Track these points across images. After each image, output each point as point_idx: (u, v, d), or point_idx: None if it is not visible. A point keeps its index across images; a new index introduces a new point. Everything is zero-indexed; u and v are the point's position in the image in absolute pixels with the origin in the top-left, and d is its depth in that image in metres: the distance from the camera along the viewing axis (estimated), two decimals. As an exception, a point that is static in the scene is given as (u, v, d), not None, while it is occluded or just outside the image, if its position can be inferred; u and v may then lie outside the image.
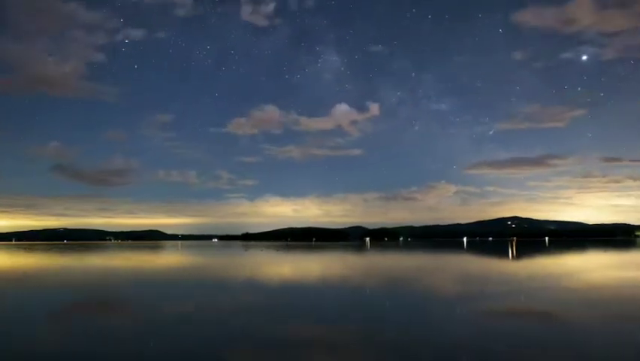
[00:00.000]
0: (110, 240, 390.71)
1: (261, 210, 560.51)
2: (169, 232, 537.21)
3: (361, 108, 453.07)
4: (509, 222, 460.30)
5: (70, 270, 28.42)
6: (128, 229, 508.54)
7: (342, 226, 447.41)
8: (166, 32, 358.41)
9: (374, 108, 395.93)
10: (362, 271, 25.58)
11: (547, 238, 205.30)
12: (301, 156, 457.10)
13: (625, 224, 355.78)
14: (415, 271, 26.18)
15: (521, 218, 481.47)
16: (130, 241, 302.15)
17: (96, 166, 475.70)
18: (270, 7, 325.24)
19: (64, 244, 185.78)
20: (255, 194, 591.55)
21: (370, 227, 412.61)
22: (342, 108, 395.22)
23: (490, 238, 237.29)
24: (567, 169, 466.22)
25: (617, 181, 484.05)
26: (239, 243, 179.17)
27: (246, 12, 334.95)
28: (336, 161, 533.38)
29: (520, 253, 48.60)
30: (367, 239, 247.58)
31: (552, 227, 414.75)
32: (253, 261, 38.25)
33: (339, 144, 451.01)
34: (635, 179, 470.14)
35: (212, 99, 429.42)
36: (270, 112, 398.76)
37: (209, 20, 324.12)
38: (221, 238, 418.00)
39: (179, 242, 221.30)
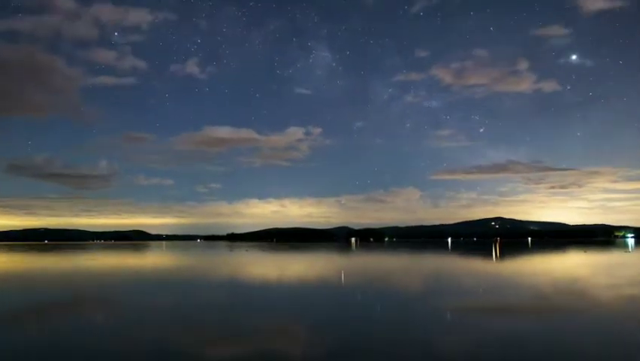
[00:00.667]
0: (94, 241, 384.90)
1: (247, 211, 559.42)
2: (153, 232, 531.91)
3: (350, 106, 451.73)
4: (493, 223, 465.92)
5: (42, 271, 27.89)
6: (112, 230, 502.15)
7: (329, 227, 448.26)
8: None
9: (363, 106, 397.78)
10: (342, 271, 25.57)
11: (529, 239, 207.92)
12: (285, 156, 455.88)
13: (605, 225, 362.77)
14: (394, 270, 26.32)
15: (504, 219, 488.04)
16: (113, 242, 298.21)
17: (80, 167, 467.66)
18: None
19: (45, 244, 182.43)
20: (240, 194, 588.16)
21: (356, 227, 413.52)
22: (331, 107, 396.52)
23: (475, 239, 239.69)
24: (550, 171, 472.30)
25: (597, 183, 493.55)
26: (224, 243, 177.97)
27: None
28: (321, 160, 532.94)
29: (503, 254, 49.21)
30: (353, 239, 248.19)
31: (534, 228, 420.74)
32: (233, 261, 38.00)
33: (323, 143, 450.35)
34: (613, 182, 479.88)
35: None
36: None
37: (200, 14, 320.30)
38: (205, 238, 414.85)
39: (164, 242, 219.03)
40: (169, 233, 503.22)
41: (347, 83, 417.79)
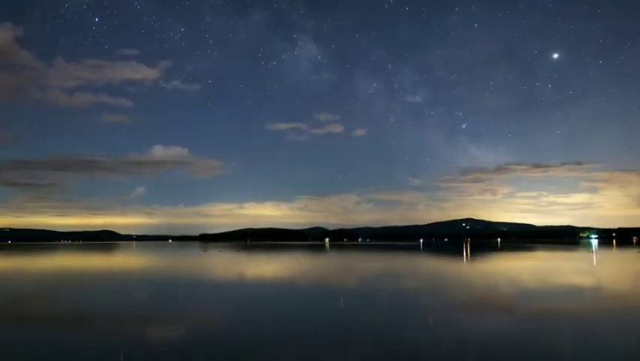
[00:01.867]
0: (61, 241, 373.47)
1: (220, 211, 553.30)
2: (123, 232, 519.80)
3: (334, 100, 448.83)
4: (464, 224, 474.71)
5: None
6: (81, 230, 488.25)
7: (303, 227, 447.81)
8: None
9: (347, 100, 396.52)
10: (309, 271, 25.50)
11: (499, 239, 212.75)
12: (264, 155, 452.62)
13: (570, 226, 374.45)
14: (350, 269, 26.42)
15: (475, 220, 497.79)
16: (81, 242, 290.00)
17: (48, 164, 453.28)
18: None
19: (9, 244, 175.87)
20: (212, 193, 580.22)
21: (330, 228, 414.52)
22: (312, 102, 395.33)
23: (446, 239, 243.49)
24: (520, 173, 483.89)
25: (565, 184, 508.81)
26: (196, 244, 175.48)
27: None
28: (298, 159, 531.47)
29: (472, 254, 50.13)
30: (327, 240, 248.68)
31: (504, 228, 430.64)
32: (206, 261, 37.44)
33: (301, 141, 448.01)
34: (579, 182, 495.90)
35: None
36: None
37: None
38: (177, 238, 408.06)
39: (134, 242, 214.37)
40: (139, 233, 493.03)
41: (332, 76, 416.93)
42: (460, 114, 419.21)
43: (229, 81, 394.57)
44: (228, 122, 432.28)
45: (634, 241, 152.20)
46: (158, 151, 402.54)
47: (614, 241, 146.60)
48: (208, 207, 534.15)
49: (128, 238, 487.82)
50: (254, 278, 22.43)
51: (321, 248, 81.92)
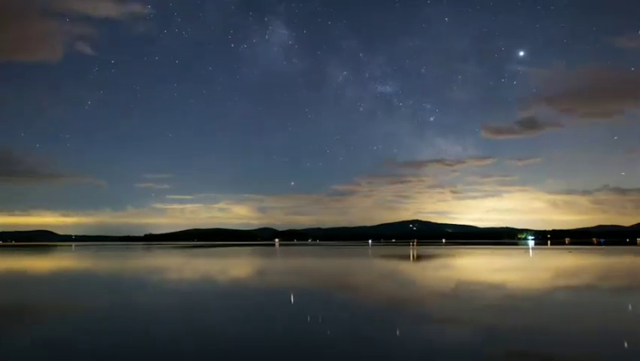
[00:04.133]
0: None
1: (166, 210, 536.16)
2: (61, 232, 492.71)
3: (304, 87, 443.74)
4: (411, 225, 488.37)
5: None
6: (12, 229, 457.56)
7: (252, 227, 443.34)
8: None
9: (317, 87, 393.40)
10: (256, 271, 24.95)
11: (444, 240, 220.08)
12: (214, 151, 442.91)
13: (509, 227, 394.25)
14: (288, 270, 26.17)
15: (422, 221, 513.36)
16: (12, 242, 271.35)
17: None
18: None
19: None
20: (160, 191, 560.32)
21: (280, 228, 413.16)
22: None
23: (394, 240, 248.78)
24: (462, 174, 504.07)
25: (506, 187, 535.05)
26: (140, 244, 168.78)
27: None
28: (249, 159, 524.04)
29: (419, 254, 51.26)
30: (277, 240, 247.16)
31: (449, 230, 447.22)
32: (146, 263, 35.74)
33: (258, 140, 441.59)
34: (516, 186, 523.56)
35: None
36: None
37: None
38: (121, 239, 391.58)
39: (73, 243, 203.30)
40: (79, 234, 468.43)
41: (302, 62, 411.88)
42: (429, 107, 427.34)
43: (197, 64, 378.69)
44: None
45: (566, 241, 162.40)
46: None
47: (549, 242, 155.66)
48: (154, 207, 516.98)
49: (67, 238, 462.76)
50: (185, 280, 21.49)
51: (269, 249, 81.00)
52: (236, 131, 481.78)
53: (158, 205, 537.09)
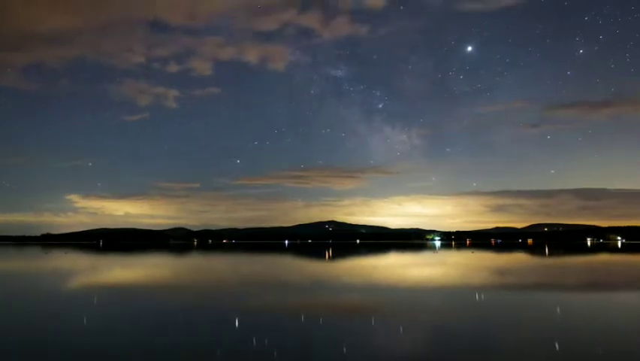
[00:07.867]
0: None
1: (69, 207, 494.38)
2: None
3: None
4: (327, 226, 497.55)
5: None
6: None
7: (164, 227, 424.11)
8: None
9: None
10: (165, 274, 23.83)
11: (358, 241, 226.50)
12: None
13: (418, 229, 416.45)
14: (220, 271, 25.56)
15: (337, 222, 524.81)
16: None
17: None
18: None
19: None
20: (59, 185, 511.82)
21: (194, 229, 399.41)
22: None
23: (310, 241, 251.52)
24: (378, 175, 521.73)
25: (416, 189, 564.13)
26: (37, 245, 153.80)
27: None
28: (156, 148, 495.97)
29: (334, 254, 52.21)
30: (195, 240, 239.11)
31: (363, 231, 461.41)
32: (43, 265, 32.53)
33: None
34: (428, 189, 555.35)
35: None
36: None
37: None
38: (14, 239, 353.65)
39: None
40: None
41: None
42: (378, 94, 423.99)
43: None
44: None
45: (467, 242, 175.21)
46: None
47: (453, 243, 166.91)
48: (53, 203, 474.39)
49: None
50: (84, 285, 19.93)
51: (182, 251, 77.76)
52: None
53: (58, 201, 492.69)
